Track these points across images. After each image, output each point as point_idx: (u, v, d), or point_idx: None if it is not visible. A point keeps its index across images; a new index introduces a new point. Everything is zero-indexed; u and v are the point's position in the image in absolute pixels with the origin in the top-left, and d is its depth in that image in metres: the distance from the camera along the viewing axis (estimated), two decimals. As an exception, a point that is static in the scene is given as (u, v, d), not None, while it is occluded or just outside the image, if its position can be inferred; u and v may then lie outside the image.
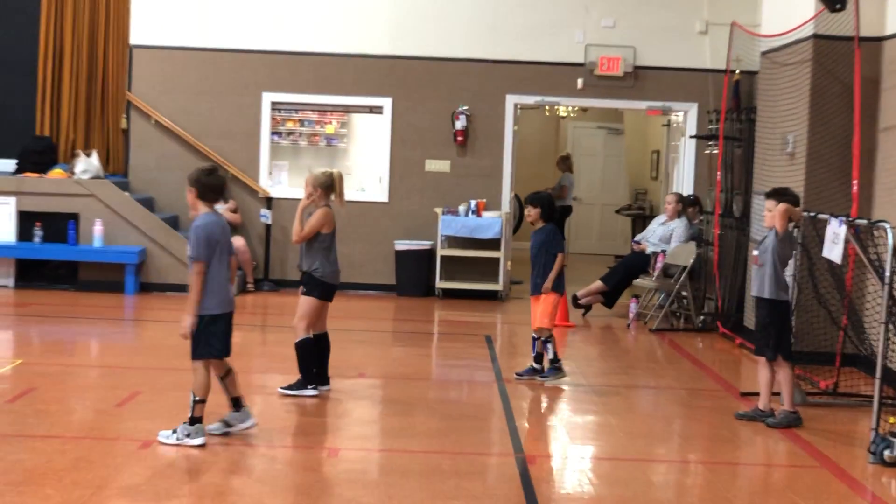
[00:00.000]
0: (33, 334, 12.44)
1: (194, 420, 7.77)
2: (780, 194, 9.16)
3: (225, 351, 7.91)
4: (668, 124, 17.80)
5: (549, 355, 10.43)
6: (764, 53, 13.76)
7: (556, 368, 10.46)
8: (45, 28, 16.30)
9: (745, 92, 14.77)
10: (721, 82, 14.87)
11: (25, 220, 15.14)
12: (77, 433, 8.02)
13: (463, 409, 9.66)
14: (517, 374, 10.54)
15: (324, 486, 7.13)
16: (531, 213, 10.53)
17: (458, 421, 9.23)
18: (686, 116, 16.31)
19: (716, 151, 14.69)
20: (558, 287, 10.43)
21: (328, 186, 9.33)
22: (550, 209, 10.56)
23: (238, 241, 15.59)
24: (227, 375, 8.03)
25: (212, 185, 7.85)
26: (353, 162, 17.79)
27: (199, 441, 7.75)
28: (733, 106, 14.63)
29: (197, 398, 7.78)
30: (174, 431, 7.79)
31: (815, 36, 11.96)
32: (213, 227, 7.77)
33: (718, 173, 14.34)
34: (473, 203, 15.96)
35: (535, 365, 10.51)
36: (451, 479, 7.29)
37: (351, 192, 16.23)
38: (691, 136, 15.96)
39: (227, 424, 8.05)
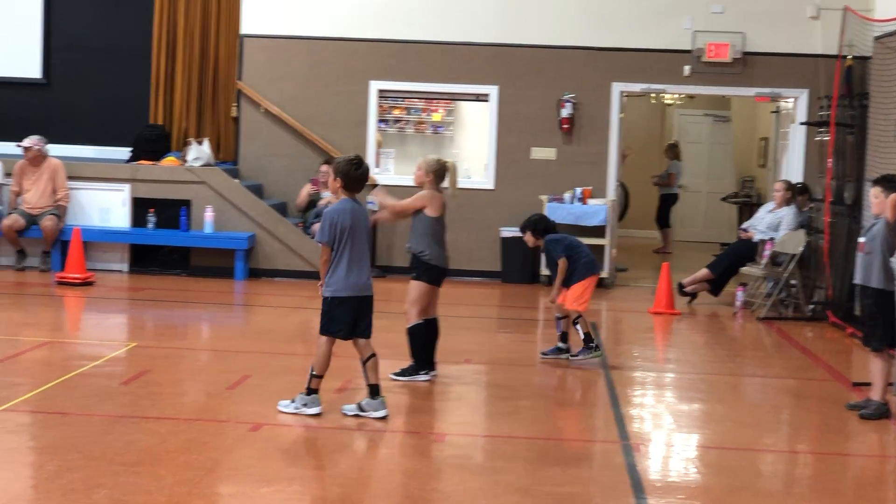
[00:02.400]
0: (147, 318, 12.71)
1: (311, 391, 8.15)
2: (888, 181, 8.99)
3: (349, 332, 8.19)
4: (778, 111, 17.55)
5: (581, 335, 10.47)
6: (877, 38, 13.51)
7: (589, 347, 10.48)
8: (159, 19, 16.65)
9: (858, 78, 14.50)
10: (833, 68, 14.63)
11: (139, 207, 15.45)
12: (189, 415, 8.20)
13: (568, 396, 9.68)
14: (542, 354, 10.70)
15: (430, 470, 7.19)
16: (529, 240, 10.70)
17: (563, 407, 9.27)
18: (796, 103, 16.07)
19: (827, 138, 14.47)
20: (580, 275, 10.40)
21: (440, 174, 9.40)
22: (539, 226, 10.63)
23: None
24: (368, 360, 8.25)
25: (356, 176, 8.17)
26: (459, 149, 17.83)
27: (314, 410, 8.12)
28: (845, 92, 14.38)
29: (314, 372, 8.15)
30: (293, 401, 8.18)
31: (931, 20, 11.71)
32: (344, 213, 8.08)
33: (829, 160, 14.13)
34: (579, 190, 15.91)
35: (560, 345, 10.59)
36: (557, 465, 7.31)
37: (457, 180, 16.30)
38: (801, 123, 15.73)
39: (361, 409, 8.22)
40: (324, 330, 8.19)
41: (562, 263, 10.47)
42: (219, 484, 6.66)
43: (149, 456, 7.09)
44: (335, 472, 7.06)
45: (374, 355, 8.25)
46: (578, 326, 10.49)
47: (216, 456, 7.15)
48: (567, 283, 10.48)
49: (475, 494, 6.61)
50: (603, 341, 11.88)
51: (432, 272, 9.41)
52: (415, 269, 9.47)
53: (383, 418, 8.18)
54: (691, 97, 21.58)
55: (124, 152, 16.24)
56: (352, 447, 7.72)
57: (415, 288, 9.44)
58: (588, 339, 10.47)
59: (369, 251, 8.35)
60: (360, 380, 9.43)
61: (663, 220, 21.13)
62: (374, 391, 8.24)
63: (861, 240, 9.10)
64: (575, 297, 10.43)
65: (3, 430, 7.52)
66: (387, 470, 7.16)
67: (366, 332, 8.27)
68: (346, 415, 8.18)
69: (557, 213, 15.74)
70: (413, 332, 9.45)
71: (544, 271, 15.79)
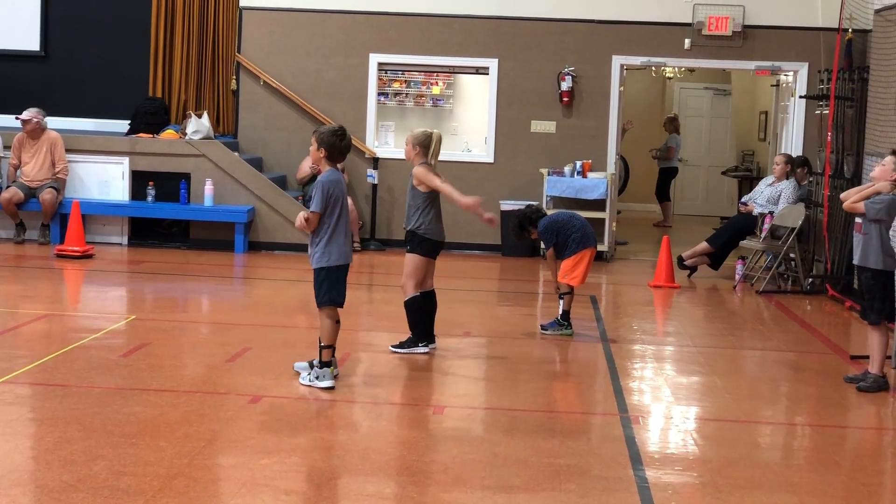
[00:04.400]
0: (146, 291, 12.72)
1: (323, 364, 8.26)
2: None
3: (343, 300, 8.40)
4: (778, 84, 17.52)
5: (560, 310, 10.54)
6: (878, 11, 13.49)
7: (560, 323, 10.54)
8: (157, -9, 16.60)
9: (858, 51, 14.49)
10: (833, 41, 14.59)
11: (138, 180, 15.45)
12: (189, 387, 8.22)
13: (567, 369, 9.71)
14: (542, 327, 10.68)
15: (429, 442, 7.21)
16: (534, 235, 10.80)
17: (562, 380, 9.30)
18: (796, 76, 16.05)
19: (826, 111, 14.45)
20: (571, 250, 10.44)
21: (426, 145, 9.40)
22: (525, 222, 10.74)
23: (345, 202, 15.71)
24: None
25: (340, 147, 8.37)
26: (458, 122, 17.79)
27: (326, 384, 8.22)
28: (845, 65, 14.35)
29: (323, 344, 8.28)
30: (309, 372, 8.32)
31: (932, -7, 11.68)
32: (336, 184, 8.29)
33: (829, 134, 14.11)
34: (579, 164, 15.89)
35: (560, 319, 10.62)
36: (556, 437, 7.33)
37: (456, 153, 16.33)
38: (801, 97, 15.70)
39: (311, 366, 8.42)
40: (326, 300, 8.30)
41: (549, 255, 10.66)
42: (218, 455, 6.68)
43: (148, 427, 7.11)
44: (334, 443, 7.08)
45: (338, 321, 8.45)
46: (562, 301, 10.53)
47: (216, 427, 7.17)
48: (559, 257, 10.53)
49: (473, 466, 6.64)
50: (602, 314, 11.92)
51: (426, 244, 9.41)
52: (409, 242, 9.49)
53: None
54: (691, 70, 21.56)
55: (123, 125, 16.22)
56: (351, 419, 7.75)
57: (410, 261, 9.46)
58: (565, 316, 10.53)
59: None
60: (362, 352, 9.53)
61: (663, 194, 21.13)
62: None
63: (858, 220, 9.09)
64: (565, 270, 10.46)
65: (2, 402, 7.54)
66: (385, 441, 7.17)
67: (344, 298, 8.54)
68: (297, 371, 8.46)
69: (557, 186, 15.74)
70: (410, 305, 9.47)
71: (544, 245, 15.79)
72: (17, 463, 6.41)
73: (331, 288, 8.30)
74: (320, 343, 8.28)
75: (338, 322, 8.38)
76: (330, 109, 16.25)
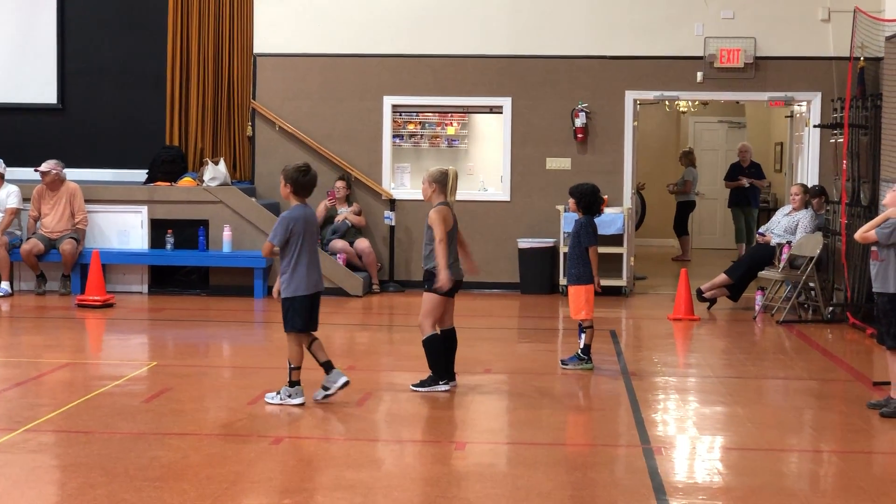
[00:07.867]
0: (167, 338, 12.77)
1: (293, 383, 8.84)
2: None
3: (308, 326, 8.88)
4: (792, 115, 17.54)
5: (581, 344, 10.53)
6: (889, 38, 13.52)
7: (581, 358, 10.51)
8: (172, 41, 16.73)
9: (871, 78, 14.50)
10: (845, 70, 14.62)
11: (157, 228, 15.55)
12: (211, 431, 8.23)
13: (589, 402, 9.69)
14: (562, 362, 10.65)
15: (452, 478, 7.20)
16: (571, 205, 10.89)
17: (584, 413, 9.28)
18: (810, 106, 16.06)
19: (841, 140, 14.45)
20: (582, 279, 10.45)
21: (443, 182, 9.45)
22: (587, 199, 10.70)
23: (362, 244, 15.78)
24: (311, 344, 8.93)
25: (304, 183, 8.93)
26: (474, 162, 17.86)
27: (298, 400, 8.81)
28: (858, 93, 14.37)
29: (292, 365, 8.84)
30: (278, 393, 8.84)
31: (941, 18, 11.71)
32: (297, 219, 8.80)
33: (844, 162, 14.10)
34: (595, 200, 15.88)
35: (580, 353, 10.57)
36: (579, 470, 7.32)
37: (473, 192, 16.38)
38: (815, 126, 15.70)
39: (325, 388, 8.97)
40: (290, 327, 8.85)
41: (592, 252, 10.48)
42: (241, 497, 6.68)
43: (171, 471, 7.13)
44: (357, 481, 7.07)
45: (315, 339, 8.94)
46: (583, 336, 10.53)
47: (238, 469, 7.18)
48: (572, 281, 10.54)
49: (497, 500, 6.63)
50: (623, 348, 11.90)
51: (442, 283, 9.45)
52: (427, 282, 9.50)
53: (346, 383, 8.88)
54: (705, 104, 21.60)
55: (141, 174, 16.34)
56: (373, 457, 7.74)
57: (427, 300, 9.47)
58: (586, 350, 10.52)
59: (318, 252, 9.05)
60: (383, 392, 9.54)
61: (681, 228, 21.12)
62: (328, 366, 8.94)
63: (874, 248, 9.06)
64: (581, 306, 10.43)
65: (26, 450, 7.57)
66: (408, 478, 7.17)
67: (316, 324, 8.98)
68: (317, 401, 8.84)
69: (574, 222, 15.71)
70: (428, 344, 9.47)
71: (563, 281, 15.78)
72: (41, 509, 6.43)
73: (294, 316, 8.80)
74: (290, 365, 8.80)
75: (315, 341, 8.89)
76: (345, 153, 16.33)
